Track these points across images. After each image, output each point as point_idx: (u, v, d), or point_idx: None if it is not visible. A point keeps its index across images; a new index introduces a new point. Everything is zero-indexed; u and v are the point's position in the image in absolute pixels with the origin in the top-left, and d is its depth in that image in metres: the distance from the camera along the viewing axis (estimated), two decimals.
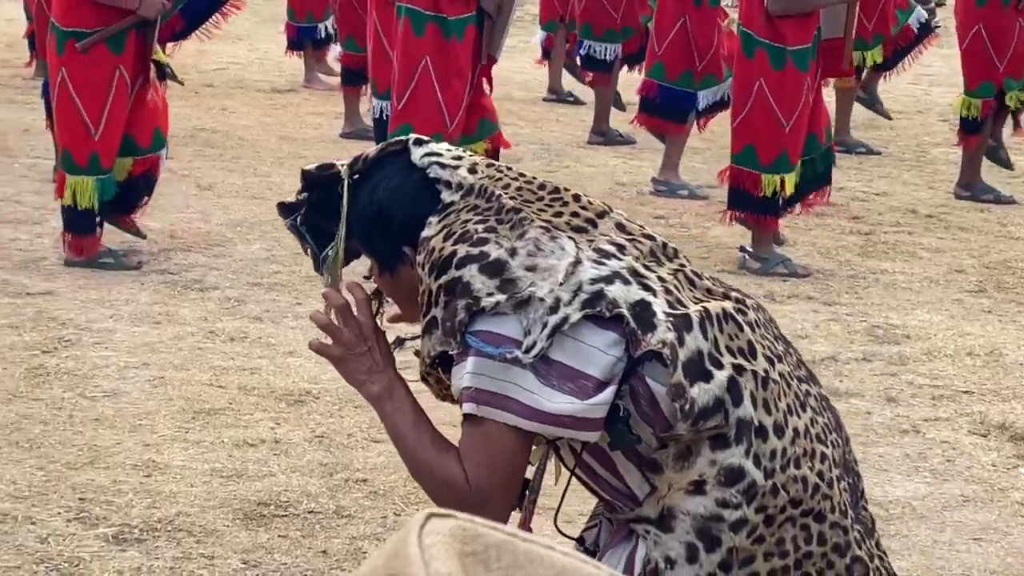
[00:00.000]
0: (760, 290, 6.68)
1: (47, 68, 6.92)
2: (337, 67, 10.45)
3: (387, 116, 6.85)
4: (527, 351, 2.40)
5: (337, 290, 2.66)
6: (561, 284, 2.41)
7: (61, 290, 6.28)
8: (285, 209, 2.70)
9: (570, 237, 2.47)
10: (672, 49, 8.40)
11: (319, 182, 2.67)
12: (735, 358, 2.44)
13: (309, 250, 2.70)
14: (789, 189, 7.03)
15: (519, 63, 12.65)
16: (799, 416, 2.50)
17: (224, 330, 5.90)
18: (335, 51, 10.80)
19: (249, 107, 10.57)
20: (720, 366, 2.42)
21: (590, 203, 2.57)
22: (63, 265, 6.60)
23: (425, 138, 2.66)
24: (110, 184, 6.47)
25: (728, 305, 2.50)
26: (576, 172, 9.06)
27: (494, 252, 2.43)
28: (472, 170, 2.56)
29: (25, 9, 10.20)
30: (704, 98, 8.37)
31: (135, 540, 4.15)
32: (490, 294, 2.41)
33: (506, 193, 2.52)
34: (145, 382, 5.31)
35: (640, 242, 2.53)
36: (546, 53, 11.13)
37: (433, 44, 6.60)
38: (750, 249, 7.18)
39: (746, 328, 2.49)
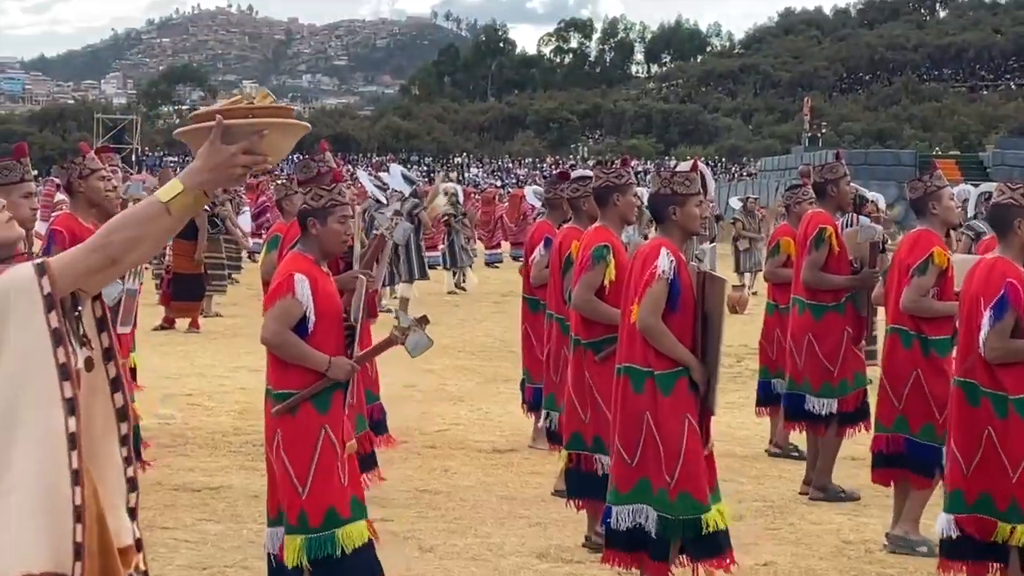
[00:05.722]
0: None
1: None
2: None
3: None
4: None
5: None
6: None
7: None
8: None
9: None
10: (911, 402, 8.32)
11: None
12: None
13: None
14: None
15: (739, 418, 12.61)
16: None
17: None
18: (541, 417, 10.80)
19: (470, 467, 10.66)
20: None
21: None
22: None
23: None
24: (319, 543, 6.35)
25: None
26: (800, 530, 8.87)
27: None
28: None
29: None
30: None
31: None
32: None
33: None
34: None
35: None
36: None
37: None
38: None
39: None
